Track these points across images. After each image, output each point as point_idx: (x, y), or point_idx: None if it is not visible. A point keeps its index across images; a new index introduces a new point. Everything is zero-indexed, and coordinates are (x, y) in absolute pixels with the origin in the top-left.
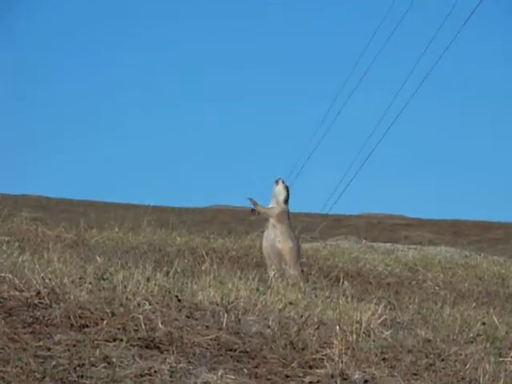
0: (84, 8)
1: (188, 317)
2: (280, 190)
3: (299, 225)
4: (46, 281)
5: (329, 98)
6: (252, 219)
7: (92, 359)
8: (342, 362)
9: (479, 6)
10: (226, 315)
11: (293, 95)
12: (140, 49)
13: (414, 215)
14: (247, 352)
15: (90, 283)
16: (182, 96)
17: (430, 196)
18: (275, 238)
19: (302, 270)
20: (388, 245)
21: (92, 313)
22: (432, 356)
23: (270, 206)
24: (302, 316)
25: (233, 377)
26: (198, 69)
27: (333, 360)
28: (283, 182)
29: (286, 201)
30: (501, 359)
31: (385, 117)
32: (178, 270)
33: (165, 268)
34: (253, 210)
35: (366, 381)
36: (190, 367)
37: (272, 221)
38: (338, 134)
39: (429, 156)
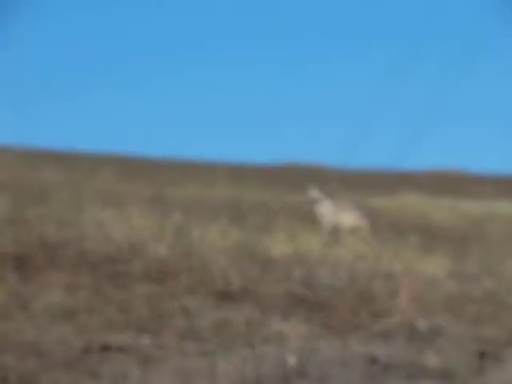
0: None
1: (262, 269)
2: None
3: (366, 181)
4: (127, 236)
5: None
6: (322, 175)
7: (171, 310)
8: (409, 311)
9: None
10: (298, 268)
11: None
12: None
13: (479, 170)
14: (318, 303)
15: (169, 239)
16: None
17: (494, 151)
18: None
19: None
20: (454, 199)
21: (170, 267)
22: (496, 306)
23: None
24: (370, 268)
25: (304, 326)
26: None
27: (400, 310)
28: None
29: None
30: None
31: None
32: (253, 224)
33: (240, 223)
34: None
35: (432, 329)
36: (264, 317)
37: None
38: (402, 91)
39: (493, 110)
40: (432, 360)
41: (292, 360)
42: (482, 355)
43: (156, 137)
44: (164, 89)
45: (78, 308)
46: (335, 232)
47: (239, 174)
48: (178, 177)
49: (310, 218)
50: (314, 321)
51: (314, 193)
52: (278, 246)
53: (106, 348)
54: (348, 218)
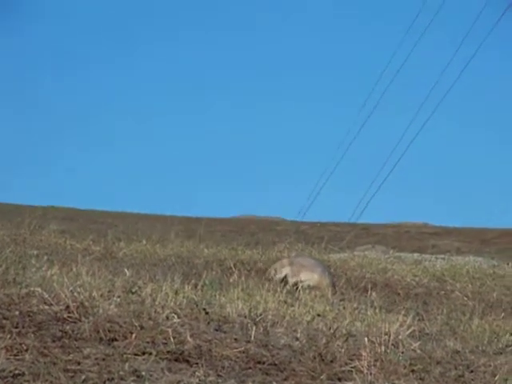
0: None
1: (217, 330)
2: None
3: (327, 234)
4: (75, 294)
5: (355, 109)
6: (279, 229)
7: (121, 373)
8: (370, 373)
9: (498, 26)
10: (254, 328)
11: (319, 103)
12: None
13: (441, 224)
14: (276, 364)
15: (119, 297)
16: (209, 106)
17: (457, 204)
18: None
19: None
20: (416, 255)
21: (121, 326)
22: (461, 367)
23: None
24: (330, 328)
25: None
26: (226, 80)
27: (362, 372)
28: None
29: None
30: None
31: (410, 127)
32: (206, 283)
33: (193, 280)
34: None
35: None
36: (220, 380)
37: None
38: (364, 145)
39: (454, 165)
40: None
41: None
42: None
43: (106, 190)
44: (115, 141)
45: (23, 371)
46: (293, 290)
47: (193, 229)
48: (129, 232)
49: (267, 276)
50: (272, 383)
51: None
52: (234, 304)
53: None
54: (307, 276)
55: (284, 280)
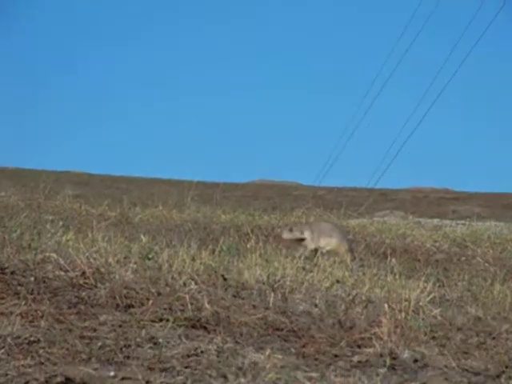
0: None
1: (234, 296)
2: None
3: (344, 199)
4: (91, 260)
5: (372, 75)
6: (296, 194)
7: (138, 340)
8: (390, 340)
9: (501, 11)
10: (272, 294)
11: (338, 73)
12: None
13: (462, 188)
14: (294, 331)
15: (135, 263)
16: (223, 72)
17: (478, 168)
18: None
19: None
20: (436, 220)
21: (137, 293)
22: (483, 334)
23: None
24: (349, 294)
25: (280, 356)
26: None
27: (381, 339)
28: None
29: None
30: None
31: (429, 91)
32: (224, 249)
33: (210, 246)
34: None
35: (415, 360)
36: (237, 347)
37: None
38: (382, 109)
39: (475, 128)
40: None
41: None
42: None
43: (120, 155)
44: (131, 110)
45: (39, 338)
46: (312, 256)
47: (209, 194)
48: (144, 197)
49: (285, 241)
50: (290, 351)
51: (288, 235)
52: (251, 270)
53: (68, 381)
54: (326, 242)
55: (304, 247)
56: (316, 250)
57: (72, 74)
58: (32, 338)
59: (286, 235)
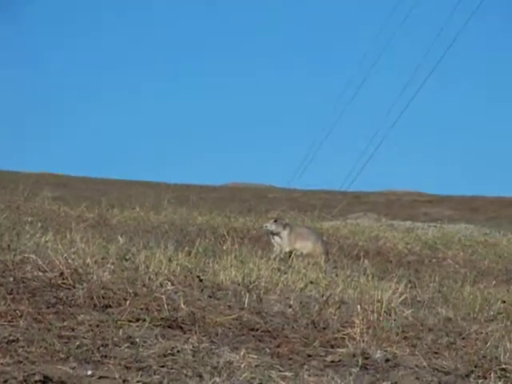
0: None
1: (210, 296)
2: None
3: (318, 202)
4: (69, 261)
5: (347, 76)
6: (271, 197)
7: (115, 339)
8: (363, 341)
9: None
10: (247, 295)
11: (310, 74)
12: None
13: (433, 191)
14: (269, 331)
15: (113, 263)
16: (201, 74)
17: (449, 172)
18: None
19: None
20: (408, 223)
21: (115, 293)
22: (453, 334)
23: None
24: (323, 295)
25: (255, 356)
26: (220, 45)
27: (354, 339)
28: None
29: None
30: None
31: (403, 94)
32: (200, 250)
33: (186, 248)
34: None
35: (387, 359)
36: (213, 347)
37: None
38: (356, 112)
39: (447, 133)
40: None
41: None
42: None
43: (98, 157)
44: (110, 113)
45: (17, 337)
46: (287, 258)
47: (185, 196)
48: (122, 199)
49: (260, 243)
50: (265, 350)
51: (271, 226)
52: (227, 271)
53: (46, 379)
54: (302, 245)
55: (279, 249)
56: (291, 252)
57: (49, 75)
58: (11, 337)
59: (268, 225)
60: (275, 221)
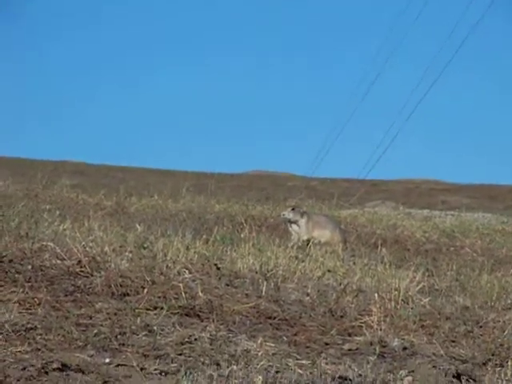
0: None
1: (228, 285)
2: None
3: (337, 190)
4: (87, 249)
5: (365, 65)
6: (289, 185)
7: (133, 327)
8: (380, 329)
9: None
10: (265, 283)
11: (329, 62)
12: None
13: (451, 180)
14: (286, 320)
15: (131, 252)
16: (221, 62)
17: (467, 161)
18: None
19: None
20: (425, 211)
21: (133, 281)
22: (470, 323)
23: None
24: (340, 284)
25: (272, 344)
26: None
27: (371, 327)
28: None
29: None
30: None
31: (421, 84)
32: (217, 238)
33: (204, 236)
34: None
35: (404, 348)
36: (230, 335)
37: None
38: (374, 101)
39: (465, 121)
40: (405, 380)
41: (259, 379)
42: (457, 375)
43: (117, 145)
44: (129, 100)
45: (36, 325)
46: (304, 246)
47: (204, 184)
48: (140, 187)
49: (278, 231)
50: (282, 339)
51: (289, 214)
52: (244, 259)
53: (64, 367)
54: (320, 234)
55: (297, 237)
56: (308, 241)
57: (69, 64)
58: (29, 325)
59: (286, 214)
60: (293, 209)
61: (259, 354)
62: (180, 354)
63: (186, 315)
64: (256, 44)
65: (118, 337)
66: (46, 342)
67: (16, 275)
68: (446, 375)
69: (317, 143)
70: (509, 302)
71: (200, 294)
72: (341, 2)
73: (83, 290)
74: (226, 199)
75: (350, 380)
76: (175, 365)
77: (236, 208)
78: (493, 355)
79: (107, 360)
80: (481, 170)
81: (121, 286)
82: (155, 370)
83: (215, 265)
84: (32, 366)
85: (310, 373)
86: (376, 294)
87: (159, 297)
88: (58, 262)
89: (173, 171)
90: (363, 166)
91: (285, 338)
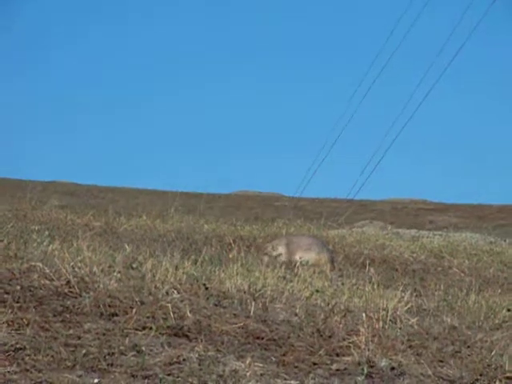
0: None
1: (216, 305)
2: None
3: (325, 210)
4: (76, 269)
5: (353, 85)
6: (277, 205)
7: (121, 347)
8: (368, 349)
9: None
10: (253, 303)
11: (317, 82)
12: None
13: (439, 200)
14: (275, 340)
15: (119, 272)
16: (207, 83)
17: (455, 180)
18: None
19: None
20: (413, 231)
21: (121, 301)
22: (458, 343)
23: None
24: (328, 304)
25: (261, 365)
26: (227, 56)
27: (359, 347)
28: None
29: None
30: None
31: (408, 104)
32: (206, 258)
33: (193, 256)
34: None
35: (392, 368)
36: (219, 355)
37: None
38: (362, 121)
39: (453, 140)
40: None
41: None
42: None
43: (106, 166)
44: (118, 121)
45: (24, 346)
46: (292, 266)
47: (193, 204)
48: (129, 207)
49: (266, 252)
50: (271, 359)
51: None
52: (233, 279)
53: None
54: (304, 257)
55: (280, 258)
56: (293, 262)
57: (57, 82)
58: (18, 345)
59: (266, 260)
60: (265, 254)
61: (247, 374)
62: (168, 375)
63: (175, 335)
64: (243, 65)
65: (107, 357)
66: (35, 363)
67: (5, 295)
68: None
69: (305, 164)
70: (496, 322)
71: (188, 314)
72: (325, 24)
73: (72, 310)
74: (215, 219)
75: None
76: None
77: (224, 228)
78: (481, 375)
79: (96, 380)
80: (469, 190)
81: (109, 306)
82: None
83: (204, 285)
84: None
85: None
86: (364, 314)
87: (148, 317)
88: (47, 282)
89: (162, 191)
90: (352, 186)
91: (273, 358)
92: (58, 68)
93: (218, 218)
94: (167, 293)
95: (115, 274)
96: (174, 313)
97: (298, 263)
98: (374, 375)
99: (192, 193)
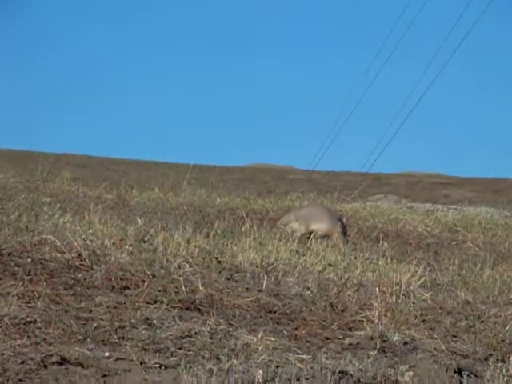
0: None
1: (228, 279)
2: None
3: (339, 184)
4: (87, 242)
5: (369, 57)
6: (291, 178)
7: (133, 321)
8: (381, 323)
9: None
10: (265, 277)
11: (333, 55)
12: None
13: (454, 173)
14: (287, 314)
15: (131, 245)
16: (222, 56)
17: (470, 154)
18: None
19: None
20: (428, 205)
21: (133, 275)
22: (472, 318)
23: None
24: (341, 278)
25: (272, 339)
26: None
27: (372, 322)
28: None
29: None
30: None
31: (424, 76)
32: (218, 232)
33: (205, 229)
34: None
35: (405, 343)
36: (230, 329)
37: None
38: (377, 94)
39: (469, 114)
40: (406, 375)
41: (259, 374)
42: (458, 370)
43: (119, 138)
44: (130, 92)
45: (35, 319)
46: (305, 240)
47: (206, 177)
48: (141, 180)
49: (277, 226)
50: (283, 333)
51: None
52: (245, 253)
53: (63, 361)
54: (318, 226)
55: (294, 231)
56: (309, 233)
57: (70, 56)
58: (28, 319)
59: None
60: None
61: (259, 348)
62: (180, 348)
63: (186, 309)
64: (259, 40)
65: (118, 330)
66: (46, 336)
67: (15, 268)
68: (447, 370)
69: (320, 136)
70: (511, 296)
71: (200, 287)
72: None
73: (83, 283)
74: (228, 192)
75: (351, 375)
76: (175, 359)
77: (237, 201)
78: (494, 350)
79: (107, 354)
80: (485, 164)
81: (121, 279)
82: (155, 363)
83: (216, 258)
84: (31, 359)
85: (311, 367)
86: (377, 289)
87: (159, 290)
88: (58, 255)
89: (175, 164)
90: (366, 159)
91: (285, 332)
92: (70, 42)
93: (231, 191)
94: (179, 266)
95: (127, 247)
96: (185, 286)
97: (311, 236)
98: (386, 350)
99: (205, 165)
